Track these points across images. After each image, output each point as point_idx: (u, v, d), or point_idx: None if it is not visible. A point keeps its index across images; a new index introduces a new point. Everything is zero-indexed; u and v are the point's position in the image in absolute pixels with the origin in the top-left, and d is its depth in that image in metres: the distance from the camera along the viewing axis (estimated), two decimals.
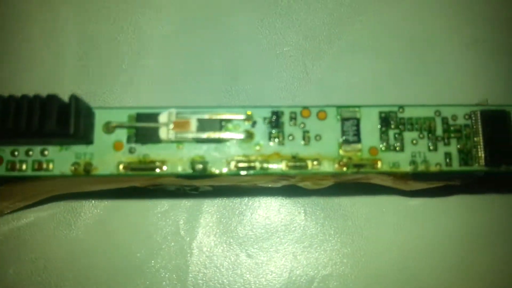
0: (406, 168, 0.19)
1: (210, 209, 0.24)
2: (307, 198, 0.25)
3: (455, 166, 0.19)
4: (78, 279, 0.23)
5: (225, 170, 0.18)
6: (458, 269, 0.24)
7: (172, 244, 0.24)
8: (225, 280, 0.24)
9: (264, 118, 0.19)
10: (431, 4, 0.27)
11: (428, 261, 0.24)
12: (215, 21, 0.27)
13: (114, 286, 0.24)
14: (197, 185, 0.23)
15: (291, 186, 0.23)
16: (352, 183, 0.23)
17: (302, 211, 0.25)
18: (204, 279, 0.24)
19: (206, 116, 0.18)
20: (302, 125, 0.19)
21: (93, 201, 0.24)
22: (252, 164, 0.18)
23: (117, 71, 0.26)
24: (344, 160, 0.19)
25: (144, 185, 0.22)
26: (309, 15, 0.27)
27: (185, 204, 0.24)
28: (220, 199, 0.24)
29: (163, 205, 0.24)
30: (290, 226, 0.25)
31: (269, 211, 0.25)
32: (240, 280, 0.24)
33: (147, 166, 0.18)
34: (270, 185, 0.23)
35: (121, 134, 0.18)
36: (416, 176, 0.20)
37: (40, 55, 0.26)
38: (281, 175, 0.19)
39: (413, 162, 0.19)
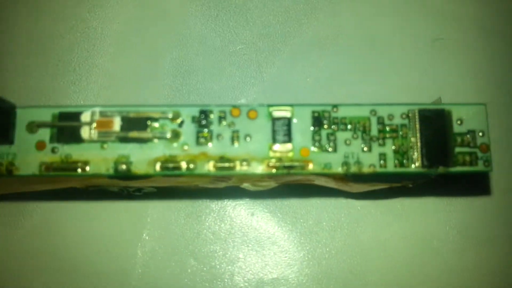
0: (338, 169, 0.18)
1: (154, 211, 0.24)
2: (257, 200, 0.24)
3: (390, 167, 0.18)
4: (20, 280, 0.23)
5: (150, 171, 0.18)
6: (408, 271, 0.23)
7: (116, 246, 0.23)
8: (171, 284, 0.24)
9: (192, 117, 0.18)
10: (387, 2, 0.27)
11: (377, 263, 0.23)
12: (167, 19, 0.26)
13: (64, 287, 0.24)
14: (139, 186, 0.23)
15: (237, 188, 0.23)
16: (296, 184, 0.23)
17: (251, 213, 0.24)
18: (149, 282, 0.23)
19: (131, 115, 0.18)
20: (231, 125, 0.18)
21: (36, 203, 0.24)
22: (178, 165, 0.18)
23: (66, 70, 0.26)
24: (274, 161, 0.18)
25: (81, 186, 0.22)
26: (264, 12, 0.27)
27: (129, 206, 0.24)
28: (165, 201, 0.24)
29: (107, 207, 0.24)
30: (239, 228, 0.24)
31: (217, 213, 0.24)
32: (188, 283, 0.24)
33: (69, 166, 0.18)
34: (211, 186, 0.22)
35: (44, 134, 0.18)
36: (355, 177, 0.20)
37: None
38: (212, 176, 0.19)
39: (345, 163, 0.18)
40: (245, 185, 0.21)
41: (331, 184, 0.21)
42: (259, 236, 0.24)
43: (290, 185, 0.23)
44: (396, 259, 0.23)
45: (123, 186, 0.22)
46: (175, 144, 0.18)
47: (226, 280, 0.23)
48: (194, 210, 0.24)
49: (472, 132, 0.19)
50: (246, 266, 0.24)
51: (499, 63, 0.26)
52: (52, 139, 0.18)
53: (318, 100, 0.20)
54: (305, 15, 0.27)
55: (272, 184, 0.21)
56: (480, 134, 0.19)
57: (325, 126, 0.18)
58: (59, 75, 0.25)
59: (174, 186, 0.22)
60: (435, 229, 0.24)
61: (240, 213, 0.24)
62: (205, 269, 0.23)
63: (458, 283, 0.23)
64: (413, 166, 0.18)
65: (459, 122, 0.19)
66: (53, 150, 0.18)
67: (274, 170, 0.18)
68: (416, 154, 0.18)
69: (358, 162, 0.18)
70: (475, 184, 0.24)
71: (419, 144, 0.18)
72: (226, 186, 0.22)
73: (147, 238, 0.23)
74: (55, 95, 0.25)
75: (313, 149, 0.18)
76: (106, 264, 0.23)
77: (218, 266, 0.23)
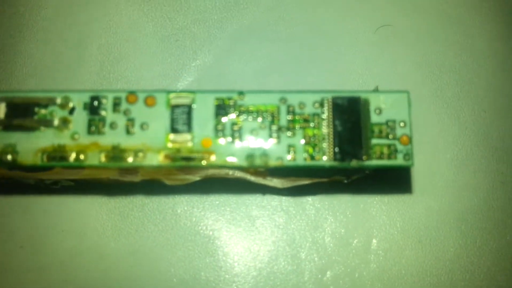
0: (242, 162, 0.17)
1: (73, 206, 0.23)
2: (182, 195, 0.23)
3: (300, 160, 0.17)
4: None
5: (37, 162, 0.16)
6: (339, 267, 0.22)
7: (35, 242, 0.22)
8: (92, 282, 0.22)
9: (84, 104, 0.17)
10: None
11: (310, 264, 0.22)
12: (97, 2, 0.25)
13: None
14: (54, 179, 0.21)
15: (158, 182, 0.21)
16: (216, 178, 0.21)
17: (175, 209, 0.23)
18: (67, 280, 0.22)
19: (16, 101, 0.17)
20: (126, 112, 0.17)
21: None
22: (66, 155, 0.16)
23: None
24: (172, 152, 0.17)
25: None
26: None
27: (46, 200, 0.22)
28: (84, 195, 0.23)
29: (25, 201, 0.22)
30: (164, 225, 0.23)
31: (140, 208, 0.23)
32: (109, 280, 0.22)
33: None
34: (126, 180, 0.21)
35: None
36: (271, 171, 0.19)
37: None
38: (101, 168, 0.17)
39: (250, 156, 0.17)
40: (157, 179, 0.20)
41: (250, 178, 0.20)
42: (184, 234, 0.23)
43: (216, 179, 0.22)
44: (330, 258, 0.22)
45: (38, 179, 0.21)
46: (63, 133, 0.17)
47: (148, 279, 0.22)
48: (116, 205, 0.23)
49: (392, 121, 0.17)
50: (170, 265, 0.22)
51: (443, 50, 0.25)
52: None
53: (256, 87, 0.18)
54: (244, 0, 0.25)
55: (187, 178, 0.20)
56: (401, 124, 0.17)
57: (230, 115, 0.17)
58: None
59: (88, 179, 0.21)
60: (372, 227, 0.22)
61: (164, 209, 0.23)
62: (126, 267, 0.22)
63: (397, 284, 0.22)
64: (324, 159, 0.17)
65: (377, 111, 0.17)
66: None
67: (171, 162, 0.16)
68: (327, 146, 0.17)
69: (264, 155, 0.17)
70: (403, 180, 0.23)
71: (331, 135, 0.17)
72: (143, 180, 0.21)
73: (65, 233, 0.22)
74: None
75: (217, 140, 0.17)
76: (24, 260, 0.22)
77: (141, 264, 0.22)
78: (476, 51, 0.25)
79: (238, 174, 0.19)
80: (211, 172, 0.19)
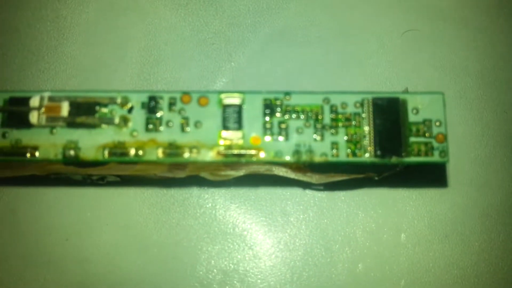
0: (289, 158, 0.18)
1: (118, 200, 0.24)
2: (221, 190, 0.24)
3: (342, 156, 0.18)
4: None
5: (98, 157, 0.18)
6: (374, 264, 0.23)
7: (79, 235, 0.23)
8: (134, 273, 0.24)
9: (142, 104, 0.18)
10: None
11: (342, 256, 0.23)
12: (137, 8, 0.26)
13: (23, 273, 0.24)
14: (102, 174, 0.23)
15: (200, 178, 0.23)
16: (257, 175, 0.23)
17: (214, 204, 0.24)
18: (111, 271, 0.23)
19: (79, 100, 0.18)
20: (181, 112, 0.18)
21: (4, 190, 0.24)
22: (125, 151, 0.18)
23: (35, 58, 0.25)
24: (223, 148, 0.18)
25: (41, 173, 0.22)
26: (234, 2, 0.27)
27: (92, 194, 0.24)
28: (129, 190, 0.24)
29: (70, 194, 0.24)
30: (203, 219, 0.24)
31: (181, 203, 0.24)
32: (151, 273, 0.24)
33: (18, 151, 0.18)
34: (170, 175, 0.22)
35: None
36: (311, 167, 0.20)
37: None
38: (167, 164, 0.19)
39: (296, 152, 0.18)
40: (204, 174, 0.21)
41: (290, 174, 0.21)
42: (223, 227, 0.24)
43: (253, 175, 0.23)
44: (363, 253, 0.23)
45: (86, 174, 0.22)
46: (123, 130, 0.18)
47: (188, 270, 0.23)
48: (158, 200, 0.24)
49: (428, 121, 0.18)
50: (210, 257, 0.23)
51: (466, 55, 0.26)
52: (3, 124, 0.18)
53: (288, 88, 0.19)
54: (276, 5, 0.27)
55: (231, 174, 0.21)
56: (437, 123, 0.18)
57: (277, 114, 0.18)
58: (27, 64, 0.25)
59: (136, 175, 0.22)
60: (401, 221, 0.23)
61: (204, 203, 0.24)
62: (168, 259, 0.23)
63: (425, 276, 0.23)
64: (366, 155, 0.18)
65: (414, 111, 0.18)
66: (3, 135, 0.18)
67: (223, 158, 0.18)
68: (368, 144, 0.18)
69: (309, 151, 0.18)
70: (439, 176, 0.24)
71: (372, 133, 0.18)
72: (187, 176, 0.22)
73: (110, 227, 0.23)
74: (23, 84, 0.25)
75: (264, 137, 0.18)
76: (69, 252, 0.23)
77: (181, 256, 0.23)
78: (497, 56, 0.26)
79: (280, 170, 0.21)
80: (254, 168, 0.20)
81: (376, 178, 0.23)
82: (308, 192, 0.24)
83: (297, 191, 0.24)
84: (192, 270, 0.23)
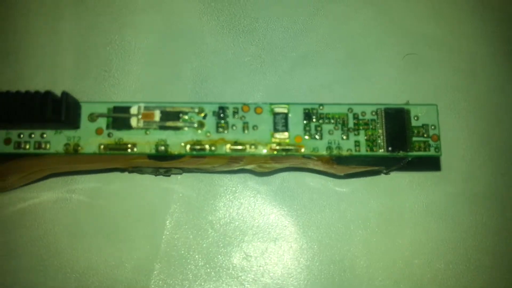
0: (323, 152, 0.24)
1: (180, 189, 0.29)
2: (263, 180, 0.30)
3: (363, 151, 0.24)
4: (74, 244, 0.29)
5: (183, 151, 0.23)
6: (384, 240, 0.29)
7: (149, 216, 0.29)
8: (192, 244, 0.29)
9: (213, 112, 0.24)
10: (367, 24, 0.33)
11: (359, 234, 0.29)
12: (188, 35, 0.32)
13: (103, 249, 0.29)
14: (169, 167, 0.28)
15: (247, 171, 0.28)
16: (293, 168, 0.29)
17: (257, 192, 0.30)
18: (176, 245, 0.29)
19: (167, 109, 0.24)
20: (242, 118, 0.24)
21: (85, 179, 0.30)
22: (203, 147, 0.23)
23: (106, 75, 0.31)
24: (275, 145, 0.24)
25: (125, 166, 0.28)
26: (267, 31, 0.33)
27: (160, 184, 0.29)
28: (189, 181, 0.29)
29: (142, 184, 0.29)
30: (248, 205, 0.29)
31: (230, 191, 0.30)
32: (207, 248, 0.29)
33: (121, 147, 0.23)
34: (226, 169, 0.28)
35: (102, 122, 0.24)
36: (337, 160, 0.26)
37: (43, 62, 0.32)
38: (231, 156, 0.24)
39: (329, 148, 0.24)
40: (252, 166, 0.27)
41: (320, 167, 0.27)
42: (263, 210, 0.29)
43: (288, 168, 0.29)
44: (374, 231, 0.29)
45: (157, 167, 0.28)
46: (199, 132, 0.24)
47: (236, 244, 0.29)
48: (211, 189, 0.30)
49: (426, 125, 0.24)
50: (252, 234, 0.29)
51: (457, 73, 0.32)
52: (108, 126, 0.24)
53: (310, 101, 0.25)
54: (301, 33, 0.33)
55: (274, 166, 0.27)
56: (432, 127, 0.24)
57: (314, 120, 0.24)
58: (100, 80, 0.31)
59: (197, 167, 0.28)
60: (404, 205, 0.29)
61: (248, 192, 0.30)
62: (221, 237, 0.29)
63: (424, 247, 0.29)
64: (380, 151, 0.24)
65: (415, 118, 0.24)
66: (108, 135, 0.23)
67: (275, 152, 0.24)
68: (382, 142, 0.24)
69: (338, 147, 0.24)
70: (434, 170, 0.30)
71: (384, 134, 0.24)
72: (238, 169, 0.28)
73: (174, 210, 0.29)
74: (98, 96, 0.31)
75: (304, 137, 0.24)
76: (142, 229, 0.29)
77: (230, 234, 0.29)
78: (480, 75, 0.33)
79: (312, 163, 0.27)
80: (293, 161, 0.26)
81: (385, 172, 0.29)
82: (331, 182, 0.30)
83: (322, 182, 0.30)
84: (237, 245, 0.29)
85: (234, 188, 0.30)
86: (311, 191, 0.30)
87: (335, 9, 0.34)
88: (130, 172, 0.29)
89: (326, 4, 0.34)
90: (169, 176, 0.29)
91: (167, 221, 0.29)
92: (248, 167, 0.27)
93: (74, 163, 0.27)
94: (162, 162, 0.26)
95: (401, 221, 0.29)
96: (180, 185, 0.30)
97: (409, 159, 0.25)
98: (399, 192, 0.30)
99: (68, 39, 0.32)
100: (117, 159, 0.26)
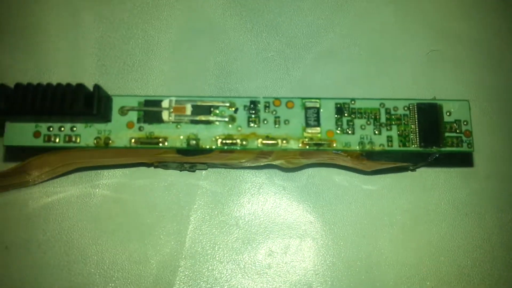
0: (356, 147, 0.23)
1: (205, 184, 0.29)
2: (289, 175, 0.30)
3: (396, 146, 0.24)
4: (99, 240, 0.28)
5: (214, 145, 0.23)
6: (410, 237, 0.29)
7: (173, 211, 0.29)
8: (216, 240, 0.29)
9: (244, 106, 0.24)
10: (391, 19, 0.32)
11: (385, 230, 0.29)
12: (212, 30, 0.32)
13: (127, 245, 0.29)
14: (194, 163, 0.28)
15: (273, 166, 0.28)
16: (321, 164, 0.28)
17: (283, 187, 0.29)
18: (200, 240, 0.29)
19: (198, 103, 0.23)
20: (274, 112, 0.24)
21: (110, 174, 0.29)
22: (234, 141, 0.23)
23: (129, 69, 0.31)
24: (307, 140, 0.23)
25: (150, 161, 0.28)
26: (290, 26, 0.32)
27: (185, 179, 0.29)
28: (214, 176, 0.29)
29: (167, 179, 0.29)
30: (273, 200, 0.29)
31: (255, 186, 0.29)
32: (231, 245, 0.29)
33: (152, 141, 0.23)
34: (252, 164, 0.28)
35: (133, 116, 0.23)
36: (368, 156, 0.25)
37: (65, 56, 0.31)
38: (260, 151, 0.24)
39: (361, 143, 0.24)
40: (281, 162, 0.27)
41: (348, 163, 0.27)
42: (289, 206, 0.29)
43: (314, 164, 0.29)
44: (401, 227, 0.29)
45: (182, 163, 0.28)
46: (230, 126, 0.23)
47: (261, 241, 0.29)
48: (236, 185, 0.29)
49: (458, 121, 0.24)
50: (277, 231, 0.29)
51: (481, 69, 0.32)
52: (139, 120, 0.23)
53: (334, 96, 0.25)
54: (324, 29, 0.33)
55: (302, 161, 0.27)
56: (464, 123, 0.24)
57: (345, 114, 0.24)
58: (123, 74, 0.31)
59: (224, 162, 0.27)
60: (430, 202, 0.29)
61: (273, 188, 0.29)
62: (245, 233, 0.29)
63: (450, 245, 0.28)
64: (413, 146, 0.24)
65: (448, 113, 0.24)
66: (139, 128, 0.23)
67: (307, 146, 0.23)
68: (414, 137, 0.24)
69: (371, 142, 0.24)
70: (461, 166, 0.30)
71: (417, 129, 0.24)
72: (264, 164, 0.28)
73: (199, 206, 0.29)
74: (121, 90, 0.30)
75: (336, 131, 0.24)
76: (167, 225, 0.29)
77: (255, 230, 0.29)
78: (506, 71, 0.32)
79: (341, 159, 0.26)
80: (321, 157, 0.26)
81: (411, 168, 0.29)
82: (357, 178, 0.29)
83: (348, 178, 0.29)
84: (262, 242, 0.29)
85: (259, 184, 0.30)
86: (337, 187, 0.30)
87: (359, 4, 0.33)
88: (155, 167, 0.29)
89: None
90: (194, 171, 0.29)
91: (192, 217, 0.29)
92: (275, 162, 0.27)
93: (101, 157, 0.27)
94: (189, 156, 0.26)
95: (427, 218, 0.29)
96: (205, 180, 0.29)
97: (437, 155, 0.25)
98: (425, 188, 0.30)
99: (90, 32, 0.32)
100: (144, 154, 0.26)
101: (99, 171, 0.29)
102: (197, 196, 0.29)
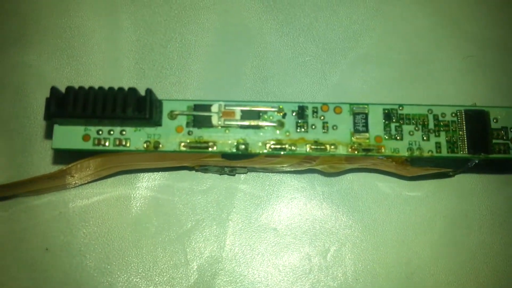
0: (405, 153, 0.24)
1: (244, 187, 0.29)
2: (329, 179, 0.30)
3: (444, 153, 0.24)
4: (139, 242, 0.29)
5: (263, 150, 0.23)
6: (447, 243, 0.29)
7: (213, 212, 0.29)
8: (256, 244, 0.29)
9: (292, 111, 0.24)
10: (428, 24, 0.32)
11: (424, 236, 0.29)
12: (248, 34, 0.32)
13: (167, 248, 0.29)
14: (234, 166, 0.28)
15: (315, 171, 0.28)
16: (363, 169, 0.28)
17: (322, 192, 0.30)
18: (238, 243, 0.29)
19: (247, 108, 0.23)
20: (322, 117, 0.24)
21: (149, 177, 0.29)
22: (283, 146, 0.23)
23: (167, 73, 0.31)
24: (355, 145, 0.23)
25: (192, 164, 0.28)
26: (327, 30, 0.33)
27: (224, 183, 0.29)
28: (252, 180, 0.29)
29: (206, 183, 0.29)
30: (313, 204, 0.29)
31: (293, 188, 0.29)
32: (267, 249, 0.29)
33: (201, 145, 0.23)
34: (294, 169, 0.28)
35: (182, 120, 0.23)
36: (413, 161, 0.25)
37: (102, 59, 0.31)
38: (306, 156, 0.24)
39: (410, 149, 0.24)
40: (324, 167, 0.27)
41: (391, 168, 0.27)
42: (328, 211, 0.29)
43: (354, 169, 0.29)
44: (440, 233, 0.29)
45: (222, 166, 0.28)
46: (278, 131, 0.23)
47: (299, 245, 0.29)
48: (275, 189, 0.29)
49: (505, 128, 0.24)
50: (317, 233, 0.29)
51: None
52: (188, 124, 0.23)
53: (371, 101, 0.25)
54: (361, 34, 0.33)
55: (346, 166, 0.27)
56: (511, 130, 0.24)
57: (394, 120, 0.24)
58: (161, 78, 0.31)
59: (265, 166, 0.27)
60: (468, 209, 0.29)
61: (313, 192, 0.29)
62: (284, 237, 0.29)
63: (489, 252, 0.28)
64: (461, 153, 0.24)
65: (495, 120, 0.24)
66: (189, 133, 0.23)
67: (356, 152, 0.23)
68: (463, 144, 0.24)
69: (419, 148, 0.24)
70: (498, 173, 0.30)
71: (465, 136, 0.24)
72: (304, 169, 0.28)
73: (238, 210, 0.29)
74: (158, 94, 0.30)
75: (384, 137, 0.24)
76: (207, 228, 0.29)
77: (294, 234, 0.29)
78: None
79: (383, 165, 0.26)
80: (364, 162, 0.26)
81: (451, 174, 0.29)
82: (397, 184, 0.29)
83: (389, 183, 0.29)
84: (299, 248, 0.29)
85: (298, 188, 0.30)
86: (376, 193, 0.30)
87: (394, 9, 0.33)
88: (196, 170, 0.29)
89: (385, 5, 0.33)
90: (233, 175, 0.29)
91: (231, 221, 0.29)
92: (318, 167, 0.27)
93: (144, 160, 0.27)
94: (233, 161, 0.26)
95: (466, 224, 0.29)
96: (244, 184, 0.29)
97: (476, 161, 0.25)
98: (464, 195, 0.30)
99: (128, 36, 0.32)
100: (187, 157, 0.26)
101: (138, 174, 0.29)
102: (236, 199, 0.29)
